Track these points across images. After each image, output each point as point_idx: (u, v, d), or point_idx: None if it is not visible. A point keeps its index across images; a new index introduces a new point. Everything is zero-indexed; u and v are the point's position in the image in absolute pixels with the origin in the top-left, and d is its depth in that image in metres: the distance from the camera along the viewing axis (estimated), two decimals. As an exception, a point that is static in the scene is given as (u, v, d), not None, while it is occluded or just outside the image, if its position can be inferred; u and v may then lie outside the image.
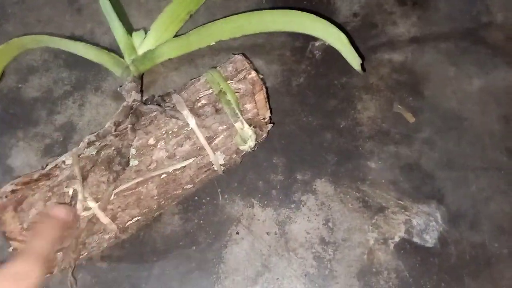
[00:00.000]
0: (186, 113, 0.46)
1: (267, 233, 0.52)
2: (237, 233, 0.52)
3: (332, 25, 0.48)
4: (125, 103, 0.49)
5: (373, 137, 0.55)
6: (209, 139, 0.46)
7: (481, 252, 0.49)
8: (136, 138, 0.46)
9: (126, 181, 0.45)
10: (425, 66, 0.58)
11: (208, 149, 0.46)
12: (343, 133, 0.55)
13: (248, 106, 0.48)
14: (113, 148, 0.45)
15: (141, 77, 0.54)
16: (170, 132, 0.46)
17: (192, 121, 0.46)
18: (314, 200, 0.53)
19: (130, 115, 0.47)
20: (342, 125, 0.56)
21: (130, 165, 0.45)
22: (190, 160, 0.46)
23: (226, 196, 0.53)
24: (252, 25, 0.50)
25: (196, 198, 0.53)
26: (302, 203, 0.53)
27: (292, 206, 0.53)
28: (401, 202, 0.52)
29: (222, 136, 0.47)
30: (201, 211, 0.53)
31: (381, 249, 0.50)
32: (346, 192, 0.53)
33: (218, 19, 0.55)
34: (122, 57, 0.54)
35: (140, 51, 0.52)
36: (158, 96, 0.48)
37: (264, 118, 0.49)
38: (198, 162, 0.47)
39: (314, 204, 0.53)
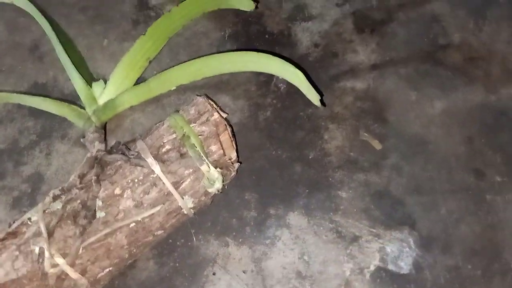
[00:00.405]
0: (150, 160, 0.46)
1: (244, 272, 0.51)
2: (214, 273, 0.51)
3: (288, 63, 0.48)
4: (89, 154, 0.48)
5: (342, 167, 0.55)
6: (176, 184, 0.46)
7: (455, 275, 0.49)
8: (102, 189, 0.45)
9: (94, 234, 0.44)
10: (387, 92, 0.59)
11: (176, 194, 0.46)
12: (312, 164, 0.56)
13: (213, 148, 0.48)
14: (78, 201, 0.44)
15: (104, 126, 0.53)
16: (136, 180, 0.46)
17: (157, 168, 0.46)
18: (289, 234, 0.53)
19: (95, 166, 0.46)
20: (310, 156, 0.56)
21: (97, 217, 0.44)
22: (158, 208, 0.46)
23: (200, 236, 0.53)
24: (211, 68, 0.51)
25: (170, 241, 0.53)
26: (277, 238, 0.53)
27: (267, 242, 0.53)
28: (374, 230, 0.52)
29: (189, 180, 0.47)
30: (176, 254, 0.52)
31: (358, 279, 0.50)
32: (320, 224, 0.53)
33: (180, 62, 0.56)
34: (84, 107, 0.54)
35: (101, 101, 0.52)
36: (122, 145, 0.48)
37: (230, 158, 0.49)
38: (167, 208, 0.46)
39: (288, 238, 0.53)
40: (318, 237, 0.52)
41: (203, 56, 0.53)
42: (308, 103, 0.59)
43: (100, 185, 0.45)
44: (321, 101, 0.49)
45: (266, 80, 0.61)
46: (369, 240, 0.52)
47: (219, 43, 0.64)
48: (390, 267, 0.50)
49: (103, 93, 0.53)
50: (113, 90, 0.52)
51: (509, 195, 0.52)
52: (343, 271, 0.51)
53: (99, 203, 0.45)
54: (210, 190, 0.47)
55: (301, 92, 0.59)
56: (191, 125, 0.48)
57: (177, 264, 0.52)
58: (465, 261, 0.50)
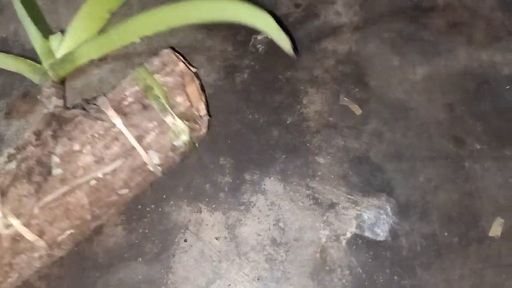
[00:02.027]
0: (111, 113, 0.43)
1: (217, 238, 0.50)
2: (185, 240, 0.49)
3: (259, 8, 0.45)
4: (45, 110, 0.45)
5: (320, 132, 0.54)
6: (140, 138, 0.44)
7: (432, 242, 0.49)
8: (60, 145, 0.42)
9: (51, 192, 0.41)
10: (369, 56, 0.57)
11: (139, 149, 0.43)
12: (290, 129, 0.54)
13: (179, 99, 0.45)
14: (34, 159, 0.41)
15: (63, 81, 0.50)
16: (96, 135, 0.43)
17: (118, 121, 0.43)
18: (264, 200, 0.51)
19: (51, 122, 0.43)
20: (288, 121, 0.54)
21: (53, 174, 0.41)
22: (119, 162, 0.43)
23: (172, 202, 0.51)
24: (175, 17, 0.47)
25: (140, 206, 0.51)
26: (252, 204, 0.51)
27: (242, 208, 0.51)
28: (352, 197, 0.51)
29: (153, 133, 0.44)
30: (146, 220, 0.50)
31: (334, 246, 0.49)
32: (296, 190, 0.51)
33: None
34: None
35: (59, 55, 0.48)
36: (82, 100, 0.45)
37: (198, 111, 0.47)
38: (130, 163, 0.44)
39: (264, 204, 0.51)
40: (294, 203, 0.51)
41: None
42: (288, 66, 0.56)
43: (57, 141, 0.42)
44: (296, 50, 0.46)
45: (243, 40, 0.58)
46: (346, 207, 0.50)
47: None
48: (367, 234, 0.49)
49: (60, 46, 0.49)
50: (72, 42, 0.48)
51: (487, 163, 0.52)
52: (319, 238, 0.49)
53: (56, 160, 0.42)
54: (176, 143, 0.45)
55: (281, 54, 0.57)
56: (154, 76, 0.45)
57: (147, 231, 0.50)
58: (442, 228, 0.49)
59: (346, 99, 0.55)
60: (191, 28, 0.59)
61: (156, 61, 0.46)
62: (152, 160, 0.44)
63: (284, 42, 0.45)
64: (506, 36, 0.59)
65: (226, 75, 0.56)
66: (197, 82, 0.46)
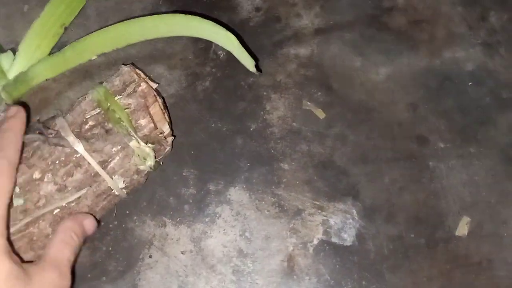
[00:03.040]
0: (71, 139, 0.41)
1: (182, 252, 0.49)
2: (150, 256, 0.48)
3: (220, 26, 0.45)
4: None
5: (284, 138, 0.53)
6: (104, 164, 0.42)
7: (399, 244, 0.48)
8: (19, 173, 0.41)
9: (13, 224, 0.40)
10: (331, 58, 0.57)
11: (104, 175, 0.42)
12: (254, 136, 0.53)
13: (143, 122, 0.44)
14: None
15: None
16: (57, 162, 0.41)
17: (80, 147, 0.41)
18: (229, 211, 0.50)
19: None
20: (252, 128, 0.53)
21: (14, 205, 0.40)
22: (84, 190, 0.42)
23: (135, 217, 0.50)
24: (134, 34, 0.46)
25: (102, 223, 0.49)
26: (217, 215, 0.50)
27: (207, 220, 0.50)
28: (317, 203, 0.50)
29: (117, 158, 0.43)
30: (109, 238, 0.49)
31: (301, 254, 0.48)
32: (261, 198, 0.51)
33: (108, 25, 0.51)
34: None
35: (11, 75, 0.47)
36: (40, 123, 0.43)
37: (162, 132, 0.46)
38: (95, 190, 0.43)
39: (229, 215, 0.50)
40: (260, 212, 0.50)
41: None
42: (249, 71, 0.55)
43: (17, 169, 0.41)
44: (257, 67, 0.46)
45: (204, 47, 0.57)
46: (312, 213, 0.50)
47: (153, 6, 0.60)
48: (334, 239, 0.49)
49: (12, 66, 0.47)
50: (24, 61, 0.47)
51: (452, 162, 0.52)
52: (286, 246, 0.49)
53: (16, 189, 0.40)
54: (141, 167, 0.44)
55: (241, 59, 0.56)
56: (116, 98, 0.43)
57: (110, 248, 0.49)
58: (409, 230, 0.49)
59: (309, 103, 0.54)
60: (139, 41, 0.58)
61: (116, 81, 0.44)
62: (118, 184, 0.43)
63: (247, 61, 0.44)
64: (467, 31, 0.59)
65: (187, 83, 0.55)
66: (159, 100, 0.45)
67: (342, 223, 0.49)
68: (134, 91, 0.44)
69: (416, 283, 0.47)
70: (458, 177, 0.51)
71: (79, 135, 0.42)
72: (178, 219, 0.50)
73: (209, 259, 0.48)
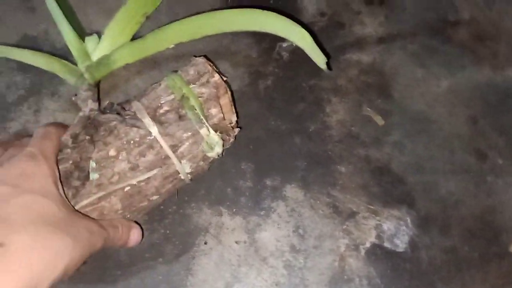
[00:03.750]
0: (147, 121, 0.43)
1: (237, 242, 0.50)
2: (205, 243, 0.50)
3: (295, 23, 0.46)
4: (81, 113, 0.46)
5: (342, 141, 0.54)
6: (174, 148, 0.44)
7: (452, 256, 0.49)
8: (96, 149, 0.43)
9: (87, 197, 0.42)
10: (393, 67, 0.57)
11: (174, 158, 0.44)
12: (312, 137, 0.54)
13: (213, 111, 0.46)
14: (70, 162, 0.42)
15: (97, 84, 0.51)
16: (132, 142, 0.43)
17: (154, 129, 0.43)
18: (284, 207, 0.51)
19: (87, 125, 0.44)
20: (311, 129, 0.54)
21: (91, 179, 0.42)
22: (155, 171, 0.44)
23: (193, 205, 0.51)
24: (212, 26, 0.48)
25: (162, 207, 0.51)
26: (272, 209, 0.51)
27: (262, 213, 0.51)
28: (372, 207, 0.51)
29: (187, 143, 0.45)
30: (167, 221, 0.51)
31: (352, 255, 0.49)
32: (317, 198, 0.52)
33: (179, 19, 0.53)
34: (76, 63, 0.51)
35: (95, 57, 0.49)
36: (117, 105, 0.46)
37: (230, 123, 0.47)
38: (164, 172, 0.44)
39: (284, 210, 0.51)
40: (314, 211, 0.51)
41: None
42: (311, 74, 0.57)
43: (94, 145, 0.43)
44: (328, 64, 0.47)
45: (268, 47, 0.59)
46: (366, 216, 0.50)
47: (220, 3, 0.62)
48: (386, 244, 0.49)
49: (97, 49, 0.49)
50: (108, 45, 0.49)
51: (510, 178, 0.52)
52: (338, 246, 0.50)
53: (92, 164, 0.43)
54: (209, 154, 0.45)
55: (304, 62, 0.57)
56: (190, 86, 0.45)
57: (168, 232, 0.50)
58: (463, 243, 0.49)
59: (369, 110, 0.55)
60: (216, 33, 0.60)
61: (191, 70, 0.46)
62: (185, 169, 0.45)
63: (318, 57, 0.45)
64: (531, 51, 0.59)
65: (250, 81, 0.57)
66: (229, 93, 0.47)
67: (396, 229, 0.50)
68: (208, 81, 0.46)
69: (467, 295, 0.47)
70: (515, 195, 0.51)
71: (154, 118, 0.44)
72: (234, 210, 0.51)
73: (262, 251, 0.50)
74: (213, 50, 0.59)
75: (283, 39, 0.59)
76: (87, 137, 0.43)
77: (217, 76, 0.46)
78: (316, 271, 0.49)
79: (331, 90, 0.56)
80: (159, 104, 0.45)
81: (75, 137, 0.43)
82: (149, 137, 0.44)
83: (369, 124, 0.55)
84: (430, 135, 0.54)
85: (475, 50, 0.59)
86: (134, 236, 0.46)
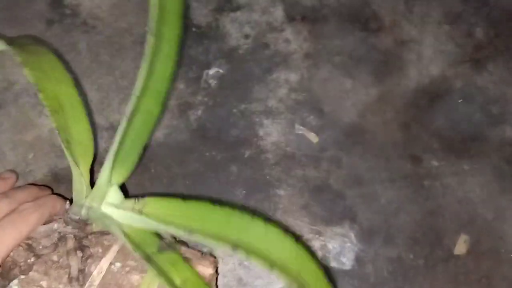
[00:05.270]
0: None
1: (182, 284, 0.48)
2: None
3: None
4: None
5: (279, 163, 0.53)
6: None
7: (398, 266, 0.48)
8: None
9: None
10: (321, 81, 0.57)
11: None
12: (249, 163, 0.53)
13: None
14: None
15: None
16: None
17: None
18: (227, 240, 0.50)
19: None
20: (246, 155, 0.54)
21: None
22: None
23: (133, 251, 0.49)
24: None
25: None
26: (215, 244, 0.50)
27: (205, 250, 0.50)
28: (315, 227, 0.50)
29: None
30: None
31: (301, 280, 0.48)
32: (259, 226, 0.50)
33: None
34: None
35: (103, 208, 0.40)
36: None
37: None
38: None
39: (227, 243, 0.50)
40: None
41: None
42: (241, 98, 0.56)
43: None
44: None
45: (195, 76, 0.58)
46: (310, 238, 0.50)
47: (144, 39, 0.60)
48: (333, 264, 0.49)
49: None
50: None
51: (447, 180, 0.52)
52: (286, 273, 0.48)
53: None
54: None
55: (233, 88, 0.57)
56: None
57: None
58: (407, 251, 0.49)
59: (302, 128, 0.55)
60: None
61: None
62: None
63: None
64: (454, 48, 0.60)
65: (180, 113, 0.56)
66: None
67: (341, 247, 0.49)
68: None
69: (418, 304, 0.47)
70: (453, 195, 0.51)
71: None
72: (176, 250, 0.49)
73: (209, 290, 0.48)
74: (140, 86, 0.57)
75: (209, 67, 0.58)
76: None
77: None
78: (266, 302, 0.48)
79: (262, 113, 0.56)
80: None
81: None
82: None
83: (304, 142, 0.54)
84: (364, 145, 0.54)
85: (400, 55, 0.59)
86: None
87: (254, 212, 0.39)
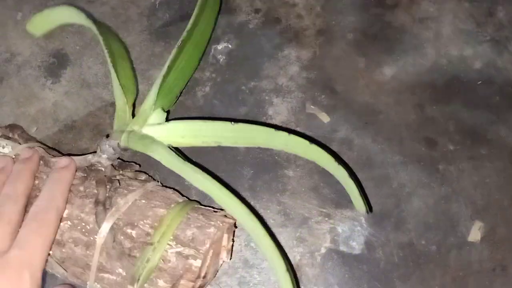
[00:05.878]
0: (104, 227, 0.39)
1: (186, 265, 0.47)
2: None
3: (337, 160, 0.42)
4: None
5: (288, 143, 0.51)
6: (101, 269, 0.39)
7: (409, 252, 0.47)
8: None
9: None
10: (334, 60, 0.55)
11: (92, 273, 0.39)
12: (257, 143, 0.51)
13: (160, 283, 0.38)
14: None
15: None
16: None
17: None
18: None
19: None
20: (254, 134, 0.52)
21: None
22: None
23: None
24: (265, 140, 0.46)
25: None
26: (221, 225, 0.48)
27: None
28: (324, 210, 0.49)
29: (113, 278, 0.39)
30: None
31: (308, 264, 0.47)
32: (267, 207, 0.49)
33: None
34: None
35: (144, 130, 0.46)
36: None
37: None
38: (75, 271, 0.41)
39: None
40: (265, 221, 0.48)
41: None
42: (250, 75, 0.54)
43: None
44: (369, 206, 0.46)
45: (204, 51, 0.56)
46: (319, 221, 0.48)
47: (150, 11, 0.58)
48: (342, 248, 0.47)
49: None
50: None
51: (462, 164, 0.50)
52: (293, 256, 0.47)
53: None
54: None
55: (242, 64, 0.55)
56: (174, 246, 0.38)
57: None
58: (419, 236, 0.47)
59: (313, 107, 0.53)
60: (148, 42, 0.56)
61: (188, 232, 0.39)
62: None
63: (357, 201, 0.42)
64: (475, 28, 0.57)
65: (187, 90, 0.54)
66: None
67: (350, 230, 0.48)
68: (187, 257, 0.38)
69: (428, 291, 0.46)
70: (469, 180, 0.49)
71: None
72: (181, 230, 0.48)
73: (214, 271, 0.47)
74: (146, 60, 0.56)
75: (217, 42, 0.56)
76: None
77: (198, 262, 0.38)
78: (271, 285, 0.46)
79: (272, 91, 0.54)
80: (135, 223, 0.39)
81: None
82: (94, 236, 0.39)
83: (315, 122, 0.52)
84: (377, 127, 0.52)
85: (417, 34, 0.57)
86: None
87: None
